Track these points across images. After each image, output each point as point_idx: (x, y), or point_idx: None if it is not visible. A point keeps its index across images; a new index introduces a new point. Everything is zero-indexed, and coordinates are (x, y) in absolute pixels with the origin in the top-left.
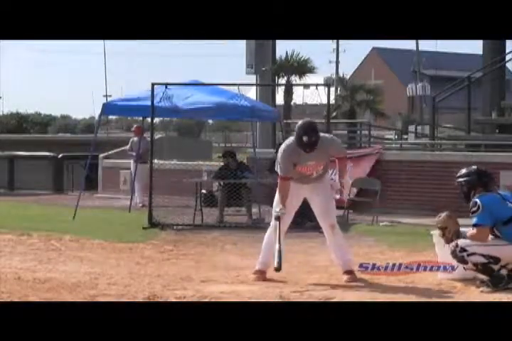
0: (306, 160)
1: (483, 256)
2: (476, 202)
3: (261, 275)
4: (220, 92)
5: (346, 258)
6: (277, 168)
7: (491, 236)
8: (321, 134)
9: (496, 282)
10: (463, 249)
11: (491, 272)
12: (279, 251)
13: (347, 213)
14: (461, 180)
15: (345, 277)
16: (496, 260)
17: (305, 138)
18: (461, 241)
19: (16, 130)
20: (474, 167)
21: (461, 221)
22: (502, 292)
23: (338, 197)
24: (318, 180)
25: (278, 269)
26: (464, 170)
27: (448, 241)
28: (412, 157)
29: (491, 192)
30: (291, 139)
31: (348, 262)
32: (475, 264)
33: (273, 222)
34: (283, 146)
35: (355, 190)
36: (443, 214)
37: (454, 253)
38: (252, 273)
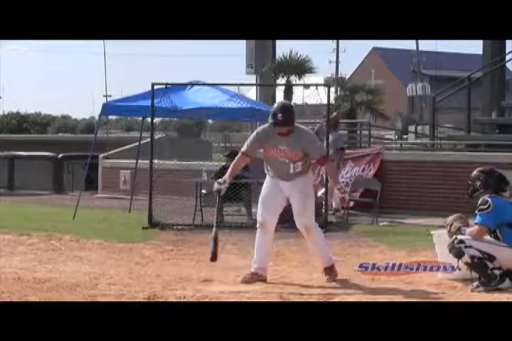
0: (277, 143)
1: (480, 251)
2: (487, 201)
3: (254, 277)
4: (220, 92)
5: (326, 256)
6: (243, 145)
7: (491, 238)
8: (302, 127)
9: (487, 282)
10: (461, 241)
11: (485, 268)
12: (215, 240)
13: (347, 213)
14: (480, 175)
15: (325, 277)
16: (492, 258)
17: (279, 115)
18: (459, 235)
19: (16, 130)
20: (498, 171)
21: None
22: (502, 292)
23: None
24: (298, 177)
25: (213, 259)
26: (488, 168)
27: (451, 235)
28: (412, 157)
29: (501, 197)
30: (267, 124)
31: (328, 260)
32: (472, 257)
33: (258, 225)
34: (258, 128)
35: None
36: (456, 214)
37: (451, 245)
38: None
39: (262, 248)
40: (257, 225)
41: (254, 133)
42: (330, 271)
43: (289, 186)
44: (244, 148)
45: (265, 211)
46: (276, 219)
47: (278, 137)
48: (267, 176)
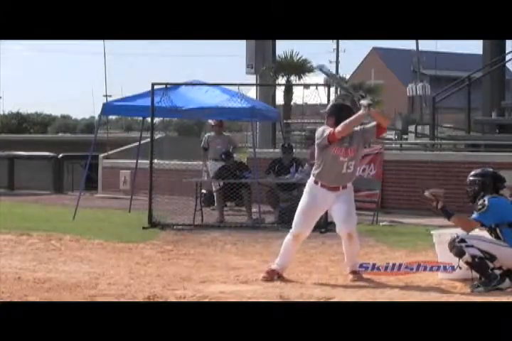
0: (342, 141)
1: (481, 251)
2: (484, 201)
3: (272, 275)
4: (220, 92)
5: (355, 260)
6: (322, 139)
7: (492, 238)
8: None
9: (487, 282)
10: (462, 240)
11: (485, 268)
12: None
13: None
14: (475, 179)
15: (351, 276)
16: (492, 257)
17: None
18: (461, 233)
19: (16, 130)
20: (491, 169)
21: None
22: (502, 292)
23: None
24: (347, 183)
25: None
26: (480, 170)
27: (435, 207)
28: (412, 157)
29: (501, 196)
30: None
31: (356, 264)
32: (472, 256)
33: (291, 238)
34: (323, 126)
35: None
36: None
37: (452, 244)
38: (266, 271)
39: (289, 254)
40: (291, 234)
41: (321, 129)
42: (355, 272)
43: (336, 196)
44: (327, 133)
45: (305, 223)
46: (314, 224)
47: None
48: (312, 185)
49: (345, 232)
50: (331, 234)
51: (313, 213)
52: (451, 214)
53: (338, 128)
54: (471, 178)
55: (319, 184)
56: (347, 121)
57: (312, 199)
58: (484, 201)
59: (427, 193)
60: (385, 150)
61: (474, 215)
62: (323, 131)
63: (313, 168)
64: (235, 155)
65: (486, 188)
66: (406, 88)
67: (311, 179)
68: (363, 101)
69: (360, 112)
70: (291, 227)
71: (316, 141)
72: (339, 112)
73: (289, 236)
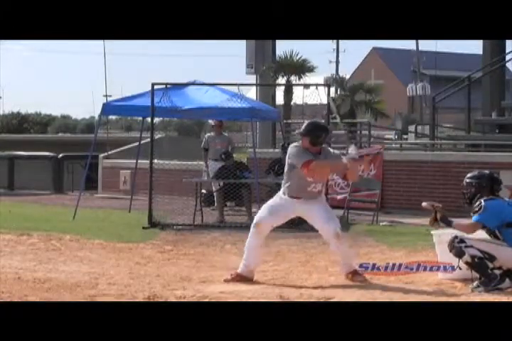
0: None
1: (480, 251)
2: (480, 203)
3: (235, 278)
4: (220, 92)
5: (350, 263)
6: (296, 161)
7: (491, 238)
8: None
9: (487, 281)
10: (461, 241)
11: (485, 268)
12: None
13: (347, 213)
14: (472, 181)
15: (354, 278)
16: (492, 257)
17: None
18: (460, 234)
19: (16, 130)
20: (487, 172)
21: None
22: (502, 292)
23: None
24: (314, 196)
25: None
26: (476, 172)
27: (434, 217)
28: (412, 157)
29: (498, 198)
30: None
31: (351, 266)
32: (472, 257)
33: (252, 229)
34: (294, 145)
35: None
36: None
37: (451, 245)
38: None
39: (254, 252)
40: (252, 225)
41: (296, 148)
42: (356, 273)
43: (303, 203)
44: (303, 159)
45: (267, 214)
46: (271, 226)
47: (313, 155)
48: (280, 195)
49: (332, 232)
50: None
51: (276, 209)
52: (450, 222)
53: (316, 165)
54: (468, 180)
55: (286, 195)
56: (328, 164)
57: (279, 201)
58: (480, 203)
59: (425, 204)
60: (385, 150)
61: (474, 218)
62: (297, 153)
63: (283, 183)
64: (234, 155)
65: (482, 190)
66: (406, 88)
67: (281, 191)
68: (352, 152)
69: (344, 161)
70: (291, 227)
71: (288, 159)
72: (315, 131)
73: (251, 230)
